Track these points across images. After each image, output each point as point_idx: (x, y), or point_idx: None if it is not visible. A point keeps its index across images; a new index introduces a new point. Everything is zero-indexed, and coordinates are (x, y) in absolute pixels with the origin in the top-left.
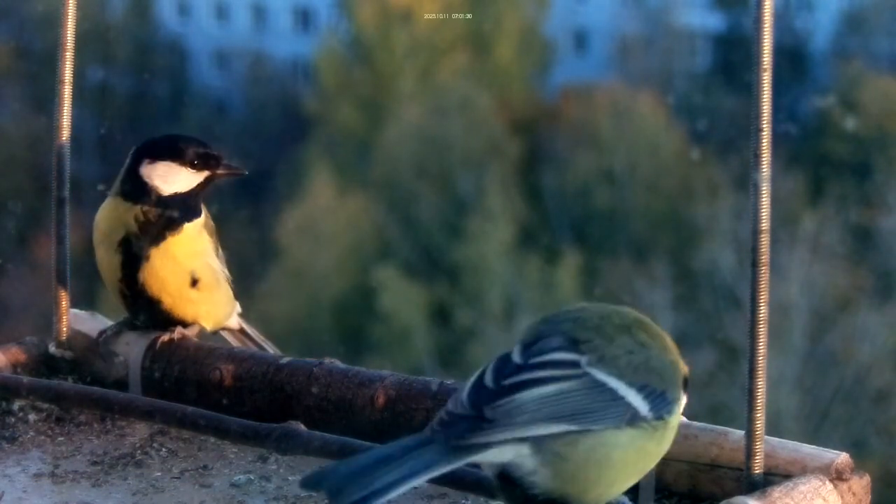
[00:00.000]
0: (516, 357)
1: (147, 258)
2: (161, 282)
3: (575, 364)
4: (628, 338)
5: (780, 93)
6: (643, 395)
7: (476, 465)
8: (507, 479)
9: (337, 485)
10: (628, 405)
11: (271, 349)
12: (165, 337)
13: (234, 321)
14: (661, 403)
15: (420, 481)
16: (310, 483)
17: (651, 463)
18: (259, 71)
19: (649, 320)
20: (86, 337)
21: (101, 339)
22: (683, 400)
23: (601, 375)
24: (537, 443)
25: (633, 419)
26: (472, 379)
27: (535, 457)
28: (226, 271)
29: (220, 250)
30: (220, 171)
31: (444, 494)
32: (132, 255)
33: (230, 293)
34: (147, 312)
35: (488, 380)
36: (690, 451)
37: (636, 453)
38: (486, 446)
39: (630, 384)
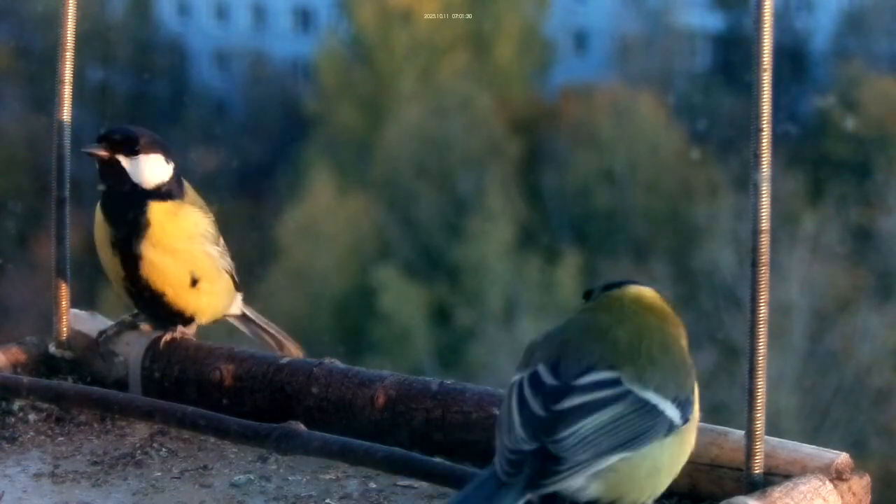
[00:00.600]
0: (548, 377)
1: (139, 254)
2: (161, 273)
3: (616, 382)
4: (650, 342)
5: (780, 93)
6: (675, 404)
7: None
8: (549, 497)
9: None
10: (667, 418)
11: (276, 332)
12: (168, 336)
13: (237, 308)
14: (687, 407)
15: None
16: None
17: (683, 460)
18: (259, 71)
19: (652, 295)
20: (86, 337)
21: (100, 339)
22: (696, 391)
23: (643, 393)
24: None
25: (670, 429)
26: (514, 405)
27: (588, 477)
28: (227, 261)
29: (220, 240)
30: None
31: (444, 494)
32: (128, 253)
33: (230, 284)
34: (151, 307)
35: (535, 407)
36: None
37: (671, 459)
38: (554, 483)
39: (665, 397)
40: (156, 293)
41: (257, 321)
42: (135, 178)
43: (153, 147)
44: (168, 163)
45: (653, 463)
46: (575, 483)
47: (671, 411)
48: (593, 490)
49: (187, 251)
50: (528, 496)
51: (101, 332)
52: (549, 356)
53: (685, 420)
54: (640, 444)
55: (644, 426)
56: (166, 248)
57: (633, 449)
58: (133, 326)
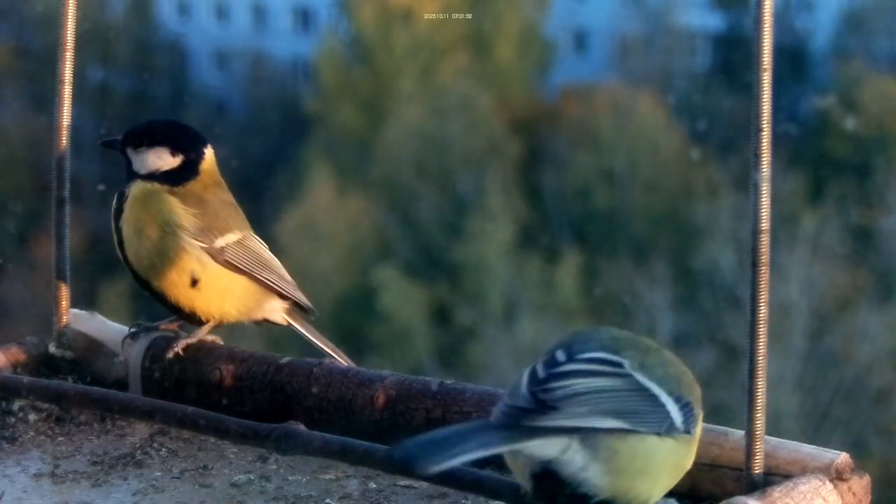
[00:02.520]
0: (561, 356)
1: (120, 228)
2: (136, 254)
3: (619, 364)
4: (658, 355)
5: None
6: (679, 406)
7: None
8: (548, 478)
9: (410, 453)
10: (668, 414)
11: (325, 346)
12: (170, 354)
13: (279, 316)
14: (690, 418)
15: (477, 456)
16: (393, 454)
17: (680, 474)
18: (259, 71)
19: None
20: (86, 337)
21: (124, 342)
22: (701, 417)
23: (644, 380)
24: (589, 438)
25: (670, 429)
26: (524, 375)
27: (584, 451)
28: (239, 258)
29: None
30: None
31: (444, 494)
32: (116, 228)
33: (248, 285)
34: (155, 297)
35: (540, 372)
36: None
37: (671, 463)
38: (544, 432)
39: (668, 393)
40: (142, 279)
41: (306, 333)
42: (134, 167)
43: (160, 141)
44: (174, 155)
45: (651, 454)
46: (575, 461)
47: (672, 408)
48: (593, 473)
49: (161, 240)
50: (517, 444)
51: (127, 336)
52: (563, 343)
53: (687, 428)
54: (637, 423)
55: (643, 407)
56: (135, 229)
57: (630, 423)
58: (152, 329)
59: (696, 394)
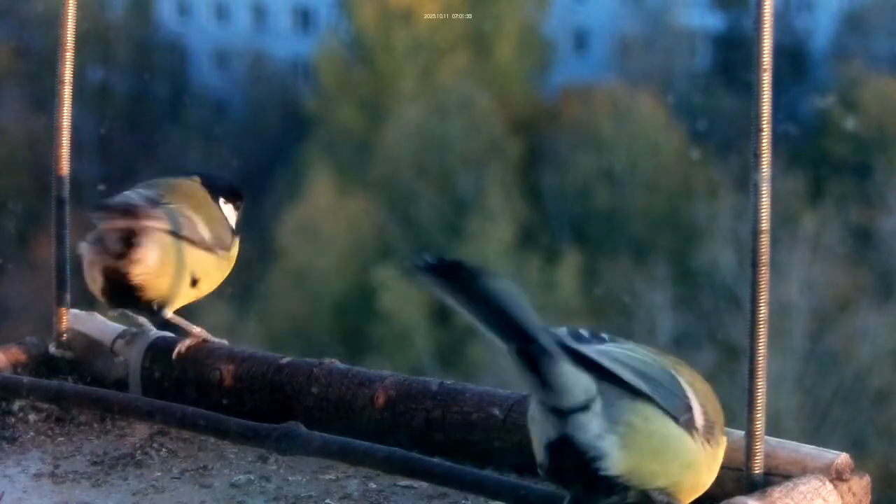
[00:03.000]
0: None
1: None
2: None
3: (652, 356)
4: (687, 368)
5: (780, 93)
6: (702, 411)
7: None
8: (564, 449)
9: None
10: (689, 406)
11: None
12: (175, 355)
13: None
14: (710, 429)
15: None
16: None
17: (694, 477)
18: (259, 71)
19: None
20: (86, 337)
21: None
22: (724, 443)
23: (676, 375)
24: (611, 404)
25: (689, 423)
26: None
27: (603, 418)
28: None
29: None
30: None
31: (444, 494)
32: None
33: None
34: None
35: (584, 332)
36: None
37: (686, 457)
38: (580, 361)
39: (694, 396)
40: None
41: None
42: None
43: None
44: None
45: (670, 442)
46: (592, 426)
47: (697, 409)
48: (608, 443)
49: None
50: (556, 358)
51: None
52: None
53: (707, 437)
54: (660, 397)
55: (669, 388)
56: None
57: (653, 390)
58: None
59: (720, 419)
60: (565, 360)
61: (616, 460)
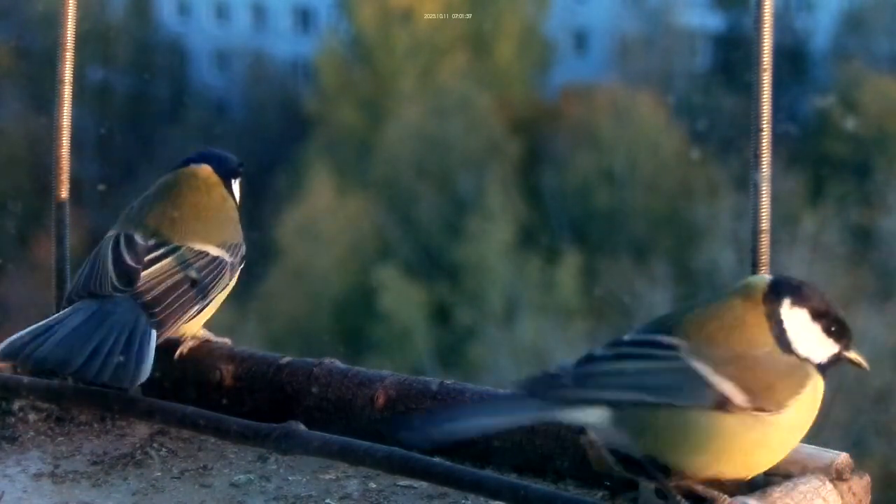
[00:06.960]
0: (627, 336)
1: None
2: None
3: (673, 347)
4: (740, 334)
5: (780, 93)
6: (739, 387)
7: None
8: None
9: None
10: (716, 391)
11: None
12: (177, 356)
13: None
14: (760, 398)
15: (506, 423)
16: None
17: (759, 452)
18: (259, 71)
19: None
20: None
21: None
22: (809, 398)
23: (694, 363)
24: (617, 410)
25: (723, 405)
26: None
27: (612, 419)
28: None
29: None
30: None
31: (444, 494)
32: None
33: None
34: None
35: (598, 351)
36: None
37: (726, 436)
38: (568, 403)
39: (724, 376)
40: None
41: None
42: None
43: None
44: None
45: (687, 427)
46: (590, 415)
47: (728, 388)
48: (622, 439)
49: None
50: (544, 412)
51: None
52: (640, 324)
53: (756, 406)
54: (668, 397)
55: (679, 384)
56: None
57: (654, 396)
58: None
59: (777, 381)
60: (561, 408)
61: (650, 452)
